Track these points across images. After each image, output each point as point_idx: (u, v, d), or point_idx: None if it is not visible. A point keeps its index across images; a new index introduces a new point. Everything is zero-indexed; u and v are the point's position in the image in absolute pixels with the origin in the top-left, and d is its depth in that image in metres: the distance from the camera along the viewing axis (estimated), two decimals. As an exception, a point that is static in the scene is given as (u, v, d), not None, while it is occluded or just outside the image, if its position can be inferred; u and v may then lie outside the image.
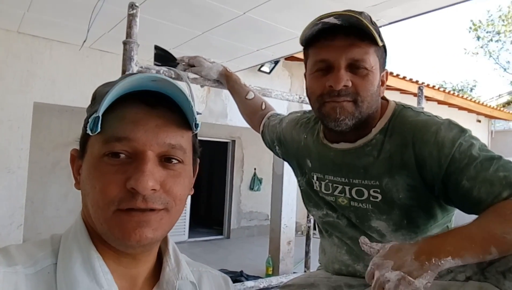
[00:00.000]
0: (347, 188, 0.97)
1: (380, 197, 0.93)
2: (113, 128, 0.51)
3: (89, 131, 0.50)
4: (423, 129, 0.88)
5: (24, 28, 3.36)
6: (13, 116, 3.40)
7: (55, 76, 3.63)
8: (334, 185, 1.00)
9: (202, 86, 1.35)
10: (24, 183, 3.44)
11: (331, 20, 0.85)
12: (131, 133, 0.51)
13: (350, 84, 0.87)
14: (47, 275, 0.50)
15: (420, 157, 0.86)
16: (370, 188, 0.94)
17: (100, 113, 0.49)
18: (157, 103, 0.54)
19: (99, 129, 0.50)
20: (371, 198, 0.94)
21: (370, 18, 0.91)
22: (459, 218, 0.93)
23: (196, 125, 0.56)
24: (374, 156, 0.92)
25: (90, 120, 0.49)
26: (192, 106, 0.54)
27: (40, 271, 0.50)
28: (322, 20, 0.86)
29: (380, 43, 0.88)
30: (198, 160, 0.63)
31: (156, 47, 1.28)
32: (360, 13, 0.88)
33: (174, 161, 0.54)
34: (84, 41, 2.53)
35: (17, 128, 3.41)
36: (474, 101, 8.24)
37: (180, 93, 0.53)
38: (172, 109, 0.55)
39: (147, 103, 0.53)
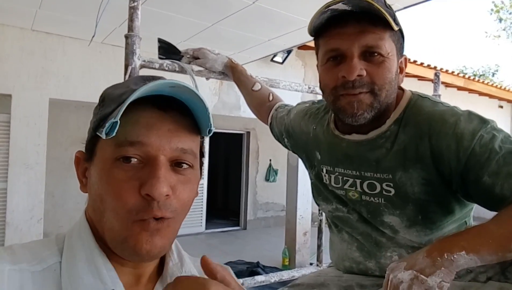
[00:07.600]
0: (358, 181, 0.93)
1: (393, 191, 0.88)
2: (126, 132, 0.51)
3: (103, 136, 0.49)
4: (440, 120, 0.82)
5: (38, 26, 3.40)
6: (30, 113, 3.46)
7: (69, 72, 3.67)
8: (345, 178, 0.96)
9: (207, 78, 1.32)
10: (42, 178, 3.51)
11: (340, 6, 0.80)
12: (144, 137, 0.51)
13: (364, 73, 0.82)
14: (53, 273, 0.50)
15: (436, 150, 0.81)
16: (383, 182, 0.89)
17: (118, 118, 0.48)
18: (170, 107, 0.53)
19: (114, 134, 0.49)
20: (383, 192, 0.90)
21: (384, 1, 0.85)
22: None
23: (210, 131, 0.56)
24: (387, 148, 0.87)
25: (107, 124, 0.48)
26: (208, 113, 0.54)
27: (46, 268, 0.50)
28: (330, 7, 0.80)
29: (396, 27, 0.82)
30: (203, 163, 0.63)
31: (160, 40, 1.25)
32: None
33: (185, 165, 0.54)
34: (93, 37, 2.54)
35: (33, 125, 3.48)
36: (496, 86, 7.96)
37: (197, 100, 0.53)
38: (183, 113, 0.55)
39: (160, 107, 0.53)
